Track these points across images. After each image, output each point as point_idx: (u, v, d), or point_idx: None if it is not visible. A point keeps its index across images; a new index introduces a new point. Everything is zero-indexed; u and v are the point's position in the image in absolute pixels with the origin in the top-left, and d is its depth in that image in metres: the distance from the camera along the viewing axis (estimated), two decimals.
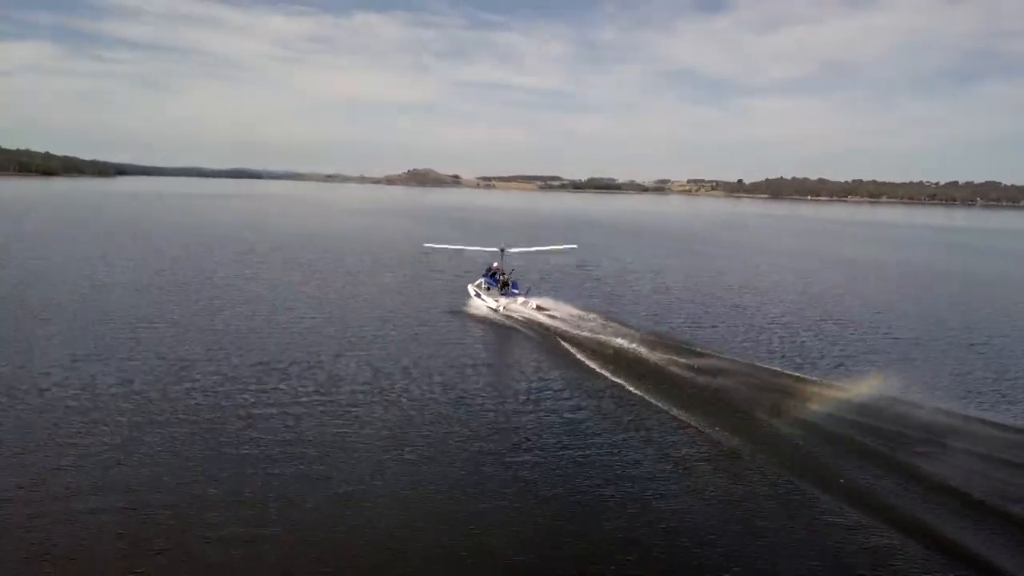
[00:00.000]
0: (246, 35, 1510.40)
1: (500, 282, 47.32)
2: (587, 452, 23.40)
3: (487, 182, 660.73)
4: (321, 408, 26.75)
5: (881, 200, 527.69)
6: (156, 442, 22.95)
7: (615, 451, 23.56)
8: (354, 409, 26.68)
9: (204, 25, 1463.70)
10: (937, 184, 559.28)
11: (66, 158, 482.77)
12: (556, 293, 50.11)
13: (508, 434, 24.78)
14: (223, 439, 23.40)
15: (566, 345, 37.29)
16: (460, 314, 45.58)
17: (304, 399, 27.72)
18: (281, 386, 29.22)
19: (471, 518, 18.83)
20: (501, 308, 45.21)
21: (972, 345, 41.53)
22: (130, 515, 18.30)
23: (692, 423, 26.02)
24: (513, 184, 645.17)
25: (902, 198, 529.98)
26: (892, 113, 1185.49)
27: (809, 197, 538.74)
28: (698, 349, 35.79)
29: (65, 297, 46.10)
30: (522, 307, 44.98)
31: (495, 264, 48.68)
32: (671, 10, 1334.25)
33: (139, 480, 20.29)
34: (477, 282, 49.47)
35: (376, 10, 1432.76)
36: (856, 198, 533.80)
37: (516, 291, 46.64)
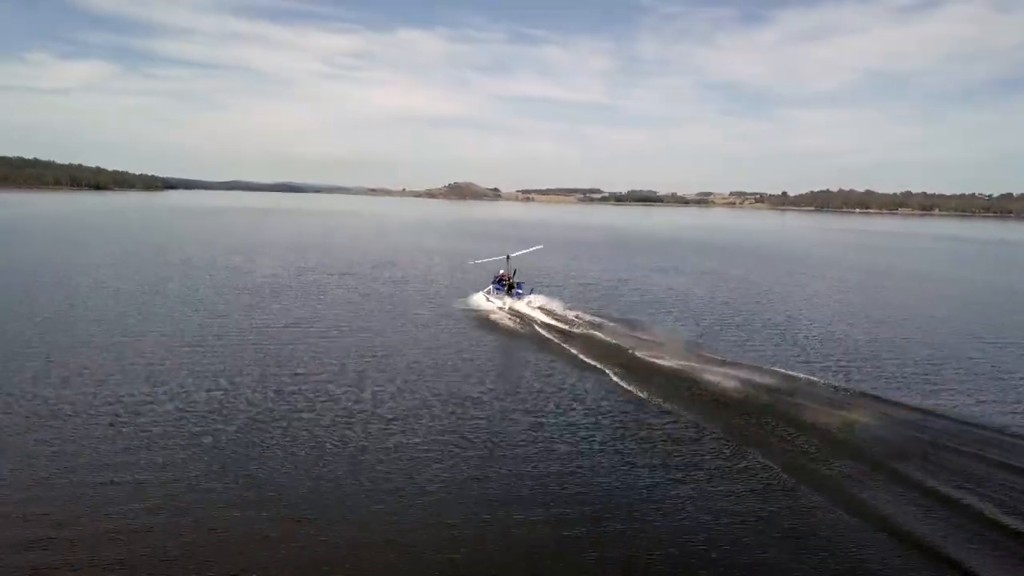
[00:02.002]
0: (292, 52, 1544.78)
1: (506, 285, 51.39)
2: (581, 452, 23.88)
3: (526, 195, 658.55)
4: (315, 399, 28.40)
5: (933, 213, 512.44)
6: (185, 447, 23.37)
7: (614, 451, 23.98)
8: (349, 404, 28.07)
9: (253, 43, 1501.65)
10: (990, 196, 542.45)
11: (116, 172, 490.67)
12: (562, 295, 53.48)
13: (502, 433, 25.38)
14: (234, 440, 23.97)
15: (563, 343, 39.74)
16: (469, 316, 48.56)
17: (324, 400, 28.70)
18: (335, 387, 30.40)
19: (478, 516, 19.04)
20: (506, 308, 49.24)
21: None
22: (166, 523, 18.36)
23: (702, 425, 26.62)
24: (553, 197, 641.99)
25: (955, 210, 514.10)
26: (941, 124, 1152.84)
27: (858, 210, 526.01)
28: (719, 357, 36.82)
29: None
30: (526, 307, 48.68)
31: (502, 271, 52.77)
32: (713, 23, 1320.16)
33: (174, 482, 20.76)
34: (487, 288, 53.38)
35: (418, 26, 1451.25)
36: (906, 210, 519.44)
37: (520, 292, 50.65)
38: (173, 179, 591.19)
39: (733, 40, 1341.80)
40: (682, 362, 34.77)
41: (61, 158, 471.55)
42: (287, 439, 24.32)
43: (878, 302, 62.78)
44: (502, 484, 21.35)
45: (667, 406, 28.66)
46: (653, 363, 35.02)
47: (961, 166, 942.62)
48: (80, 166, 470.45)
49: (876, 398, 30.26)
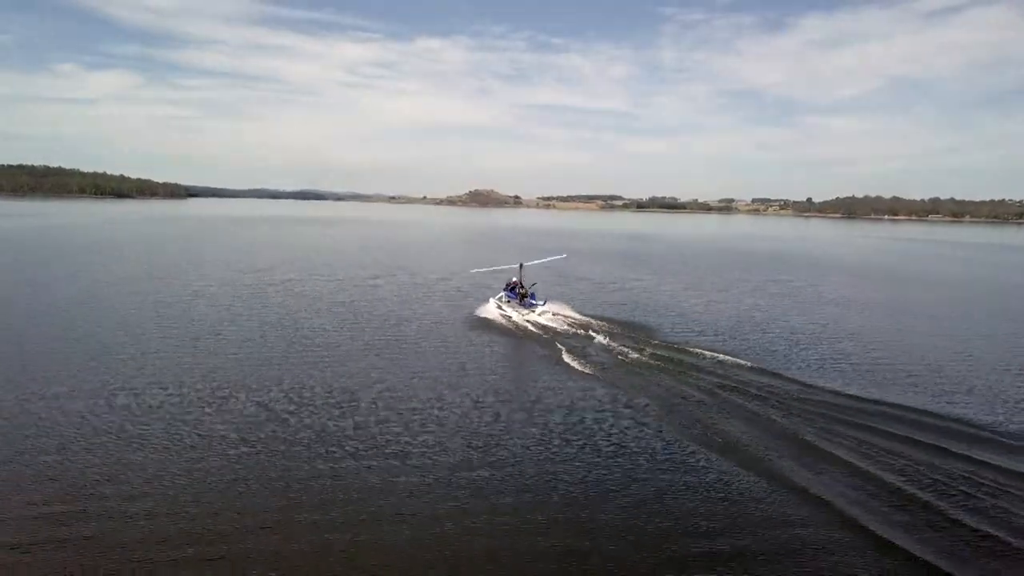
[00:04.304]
0: (315, 62, 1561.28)
1: (519, 295, 49.77)
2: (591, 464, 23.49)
3: (547, 202, 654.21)
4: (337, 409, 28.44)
5: (964, 219, 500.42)
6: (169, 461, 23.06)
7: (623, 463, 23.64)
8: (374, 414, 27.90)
9: (276, 53, 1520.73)
10: (1021, 202, 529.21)
11: (140, 180, 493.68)
12: (580, 306, 52.24)
13: (506, 445, 24.94)
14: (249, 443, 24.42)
15: (576, 352, 38.37)
16: (480, 325, 46.85)
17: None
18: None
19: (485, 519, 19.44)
20: (521, 318, 47.26)
21: None
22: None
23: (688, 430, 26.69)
24: (573, 204, 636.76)
25: (986, 217, 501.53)
26: (968, 130, 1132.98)
27: (886, 216, 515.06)
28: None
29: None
30: (539, 317, 47.09)
31: (514, 279, 51.39)
32: (733, 30, 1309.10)
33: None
34: (499, 296, 51.86)
35: (439, 35, 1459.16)
36: (936, 217, 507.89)
37: (534, 302, 49.14)
38: (196, 187, 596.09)
39: (754, 47, 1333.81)
40: (702, 374, 33.95)
41: (86, 167, 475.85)
42: (315, 443, 24.77)
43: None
44: (510, 485, 21.72)
45: (683, 420, 27.78)
46: (676, 374, 34.02)
47: (990, 172, 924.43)
48: (104, 174, 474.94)
49: None
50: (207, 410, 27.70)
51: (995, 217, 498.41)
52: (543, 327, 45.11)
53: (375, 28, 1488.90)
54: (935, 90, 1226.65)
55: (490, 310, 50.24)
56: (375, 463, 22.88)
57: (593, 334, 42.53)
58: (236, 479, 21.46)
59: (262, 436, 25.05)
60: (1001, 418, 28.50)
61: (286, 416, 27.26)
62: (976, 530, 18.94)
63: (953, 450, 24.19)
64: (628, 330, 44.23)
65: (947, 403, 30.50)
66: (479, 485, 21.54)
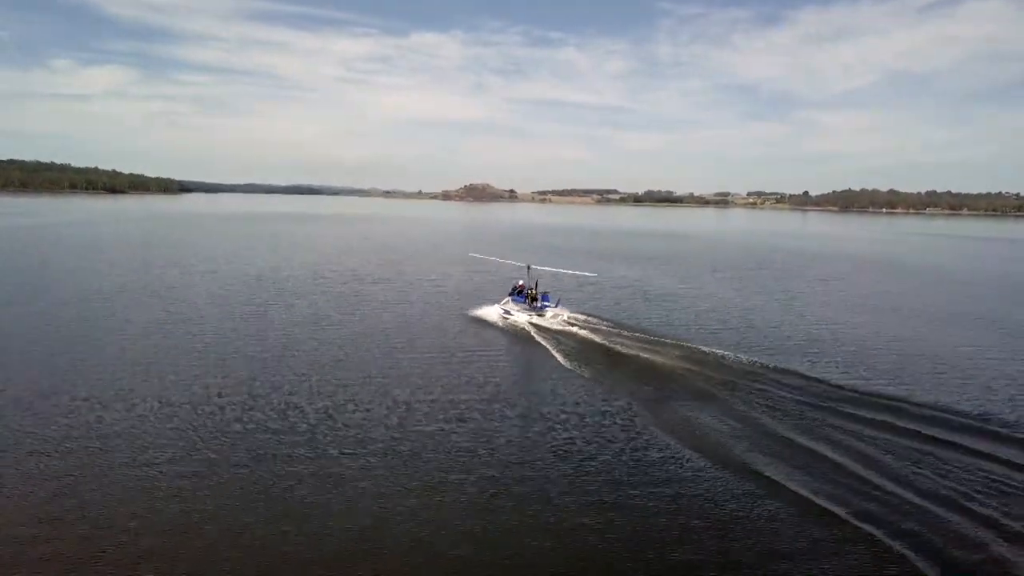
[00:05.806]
0: (311, 57, 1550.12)
1: (528, 296, 46.91)
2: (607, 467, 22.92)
3: (543, 196, 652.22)
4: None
5: (962, 212, 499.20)
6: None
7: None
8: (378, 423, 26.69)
9: (272, 48, 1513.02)
10: (1018, 195, 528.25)
11: (132, 176, 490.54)
12: (589, 306, 50.47)
13: (525, 447, 24.61)
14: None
15: (595, 353, 37.21)
16: (487, 328, 44.65)
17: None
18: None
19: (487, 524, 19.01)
20: (530, 321, 44.68)
21: None
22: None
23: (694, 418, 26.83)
24: (569, 198, 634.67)
25: (984, 210, 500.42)
26: (965, 124, 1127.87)
27: (884, 209, 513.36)
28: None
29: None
30: (550, 321, 44.18)
31: (520, 282, 48.72)
32: (729, 24, 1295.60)
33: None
34: (504, 301, 48.62)
35: (435, 30, 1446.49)
36: (935, 210, 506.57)
37: (547, 303, 46.13)
38: (190, 182, 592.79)
39: (750, 41, 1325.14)
40: (725, 383, 31.86)
41: (80, 162, 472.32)
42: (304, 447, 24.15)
43: None
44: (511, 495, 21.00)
45: (708, 435, 25.75)
46: (694, 385, 31.92)
47: (987, 166, 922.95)
48: (96, 169, 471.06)
49: None
50: (202, 412, 27.31)
51: (993, 210, 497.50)
52: (552, 331, 42.14)
53: (371, 23, 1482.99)
54: (932, 84, 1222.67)
55: (497, 315, 47.11)
56: (378, 468, 22.40)
57: (604, 339, 39.88)
58: (238, 481, 21.24)
59: (262, 439, 24.66)
60: None
61: (288, 416, 26.88)
62: None
63: None
64: (642, 334, 41.21)
65: None
66: (482, 490, 21.11)
